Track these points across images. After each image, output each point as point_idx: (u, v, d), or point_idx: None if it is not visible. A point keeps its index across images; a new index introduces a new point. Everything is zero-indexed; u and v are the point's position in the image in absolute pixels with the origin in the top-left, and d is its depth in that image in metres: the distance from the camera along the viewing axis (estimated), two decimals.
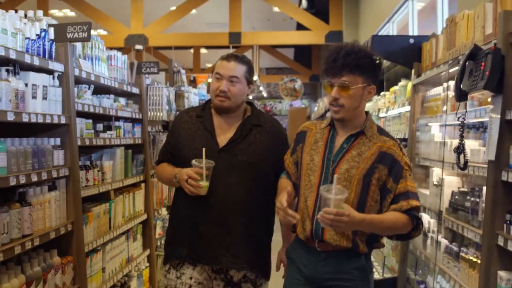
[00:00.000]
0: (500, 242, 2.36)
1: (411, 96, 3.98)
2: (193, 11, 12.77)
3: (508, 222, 2.34)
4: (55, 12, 14.69)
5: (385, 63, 4.62)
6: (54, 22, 3.25)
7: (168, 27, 12.56)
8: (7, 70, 2.58)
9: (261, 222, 2.78)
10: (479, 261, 2.64)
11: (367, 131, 2.42)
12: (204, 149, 2.57)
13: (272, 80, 21.96)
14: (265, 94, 22.60)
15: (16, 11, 3.12)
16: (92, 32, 15.06)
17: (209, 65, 20.63)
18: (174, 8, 12.85)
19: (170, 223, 2.90)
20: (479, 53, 2.43)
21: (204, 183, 2.56)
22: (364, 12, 10.65)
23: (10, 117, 2.49)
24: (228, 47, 14.28)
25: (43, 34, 2.96)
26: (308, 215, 2.43)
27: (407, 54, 4.03)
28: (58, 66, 3.06)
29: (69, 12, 14.83)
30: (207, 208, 2.68)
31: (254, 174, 2.70)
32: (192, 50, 18.13)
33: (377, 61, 2.40)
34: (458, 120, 2.67)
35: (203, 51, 18.75)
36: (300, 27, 13.20)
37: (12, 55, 2.58)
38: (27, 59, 2.72)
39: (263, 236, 2.82)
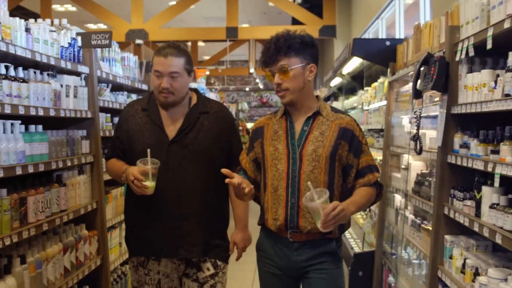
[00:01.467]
0: (446, 211, 2.94)
1: (387, 92, 4.55)
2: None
3: (452, 195, 2.91)
4: (56, 7, 15.12)
5: (365, 62, 5.19)
6: (81, 31, 3.81)
7: (167, 22, 13.05)
8: (48, 74, 3.14)
9: (215, 208, 2.84)
10: None
11: (322, 111, 2.50)
12: (149, 150, 2.58)
13: None
14: (261, 86, 23.15)
15: (43, 19, 3.68)
16: (93, 26, 15.33)
17: (207, 58, 21.20)
18: (173, 3, 13.35)
19: (127, 219, 2.94)
20: (431, 60, 3.00)
21: (150, 184, 2.55)
22: (356, 8, 11.16)
23: (52, 113, 3.06)
24: (225, 40, 14.81)
25: (73, 42, 3.52)
26: (280, 203, 2.46)
27: (384, 55, 4.56)
28: (84, 69, 3.63)
29: (70, 7, 15.27)
30: (162, 202, 2.70)
31: (206, 162, 2.73)
32: (189, 43, 18.66)
33: (308, 40, 2.45)
34: (414, 114, 3.25)
35: (200, 44, 19.27)
36: (295, 21, 13.72)
37: (52, 62, 3.15)
38: (63, 64, 3.29)
39: (219, 223, 2.88)
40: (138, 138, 2.75)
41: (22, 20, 2.92)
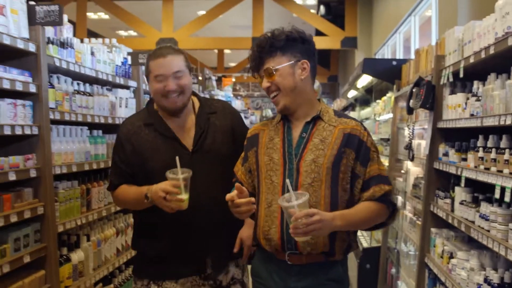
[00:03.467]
0: (432, 208, 3.55)
1: (393, 106, 5.16)
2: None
3: (437, 195, 3.52)
4: (90, 15, 15.90)
5: (374, 79, 5.81)
6: (128, 49, 4.51)
7: (196, 31, 13.73)
8: (107, 88, 3.85)
9: None
10: None
11: (323, 116, 2.22)
12: (177, 158, 2.25)
13: None
14: None
15: (96, 38, 4.39)
16: (124, 33, 15.96)
17: (233, 64, 21.93)
18: (203, 12, 14.00)
19: (145, 235, 2.56)
20: (421, 82, 3.61)
21: (185, 196, 2.24)
22: (376, 21, 11.70)
23: (109, 121, 3.76)
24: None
25: (124, 61, 4.22)
26: (273, 221, 2.16)
27: (391, 73, 5.17)
28: (133, 83, 4.33)
29: (103, 15, 16.07)
30: (194, 215, 2.40)
31: (229, 161, 2.46)
32: (216, 51, 19.38)
33: (296, 36, 2.19)
34: (407, 127, 3.86)
35: (226, 51, 20.02)
36: (318, 32, 14.32)
37: (110, 78, 3.85)
38: (117, 80, 3.99)
39: (241, 224, 2.60)
40: (152, 156, 2.46)
41: (89, 45, 3.62)
